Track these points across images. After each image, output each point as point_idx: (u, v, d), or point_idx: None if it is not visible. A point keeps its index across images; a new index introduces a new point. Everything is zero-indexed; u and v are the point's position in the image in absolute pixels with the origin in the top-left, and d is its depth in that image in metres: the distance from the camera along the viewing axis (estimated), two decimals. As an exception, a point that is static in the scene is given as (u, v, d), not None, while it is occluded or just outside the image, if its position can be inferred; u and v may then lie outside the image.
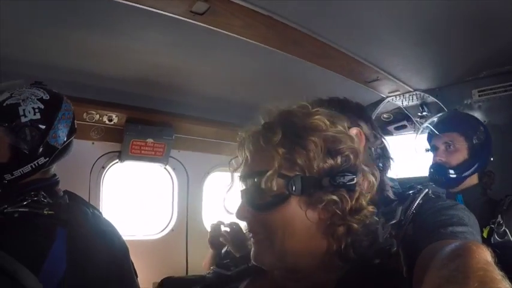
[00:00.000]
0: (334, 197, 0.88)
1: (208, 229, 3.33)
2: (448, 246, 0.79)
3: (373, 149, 1.33)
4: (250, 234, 0.97)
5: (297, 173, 0.89)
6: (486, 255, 0.70)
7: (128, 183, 3.19)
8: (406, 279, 0.94)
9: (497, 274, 0.64)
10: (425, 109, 2.99)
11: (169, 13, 1.74)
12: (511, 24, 1.93)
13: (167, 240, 3.14)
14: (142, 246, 2.89)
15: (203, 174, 3.41)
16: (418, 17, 1.91)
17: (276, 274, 1.01)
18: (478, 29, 2.01)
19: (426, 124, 2.26)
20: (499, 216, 1.86)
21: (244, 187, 0.97)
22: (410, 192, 1.21)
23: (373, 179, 0.96)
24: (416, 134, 2.47)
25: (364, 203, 0.92)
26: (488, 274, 0.63)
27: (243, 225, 2.88)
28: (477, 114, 2.60)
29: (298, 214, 0.90)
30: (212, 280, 1.14)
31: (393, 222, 1.10)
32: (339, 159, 0.91)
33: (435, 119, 2.32)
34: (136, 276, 1.82)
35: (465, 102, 2.70)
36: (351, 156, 0.93)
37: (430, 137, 2.23)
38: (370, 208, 0.94)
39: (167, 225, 3.21)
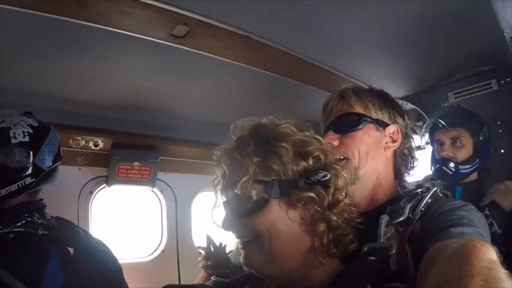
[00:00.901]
0: (312, 194, 0.94)
1: (199, 248, 3.35)
2: (453, 244, 0.81)
3: (404, 150, 1.35)
4: (241, 241, 1.01)
5: (274, 177, 0.95)
6: (491, 254, 0.71)
7: (116, 207, 3.17)
8: (400, 275, 0.98)
9: (502, 273, 0.66)
10: (405, 117, 3.05)
11: (150, 37, 1.78)
12: (480, 25, 1.99)
13: (158, 262, 3.12)
14: (133, 269, 2.86)
15: (191, 195, 3.40)
16: (388, 27, 1.97)
17: (271, 282, 1.03)
18: (450, 33, 2.07)
19: (433, 119, 2.23)
20: (486, 209, 1.92)
21: (225, 199, 1.02)
22: (419, 190, 1.21)
23: (345, 175, 1.04)
24: (423, 130, 2.44)
25: (340, 197, 0.98)
26: (492, 273, 0.65)
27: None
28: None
29: (281, 216, 0.95)
30: (211, 287, 1.16)
31: (401, 219, 1.10)
32: (310, 160, 0.97)
33: (439, 113, 2.29)
34: (130, 296, 1.83)
35: (442, 105, 2.76)
36: (321, 156, 0.99)
37: (433, 131, 2.22)
38: (347, 200, 1.00)
39: (158, 247, 3.19)
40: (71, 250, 1.58)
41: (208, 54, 1.95)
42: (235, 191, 0.97)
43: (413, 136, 2.26)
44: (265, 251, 0.94)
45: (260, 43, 1.92)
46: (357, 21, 1.88)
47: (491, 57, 2.39)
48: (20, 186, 1.62)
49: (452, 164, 2.09)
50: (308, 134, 1.03)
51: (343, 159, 1.27)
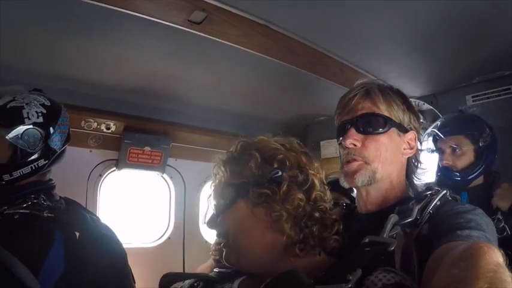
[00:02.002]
0: (265, 190, 1.02)
1: (205, 237, 3.36)
2: (460, 246, 0.80)
3: (417, 156, 1.34)
4: (221, 241, 1.13)
5: (243, 180, 1.06)
6: (497, 256, 0.71)
7: (125, 191, 3.18)
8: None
9: (508, 276, 0.66)
10: (421, 116, 3.01)
11: (167, 22, 1.76)
12: (503, 30, 1.96)
13: (164, 248, 3.13)
14: (139, 254, 2.88)
15: (200, 183, 3.40)
16: (411, 24, 1.93)
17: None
18: (471, 35, 2.04)
19: (431, 128, 2.24)
20: (499, 213, 1.92)
21: (215, 202, 1.14)
22: (428, 192, 1.20)
23: (317, 179, 1.09)
24: (422, 139, 2.45)
25: (294, 192, 1.03)
26: (498, 276, 0.65)
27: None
28: (472, 120, 2.63)
29: (247, 213, 1.04)
30: (212, 276, 1.20)
31: (409, 220, 1.09)
32: (275, 164, 1.06)
33: (440, 121, 2.30)
34: (134, 282, 1.83)
35: (459, 108, 2.71)
36: (286, 160, 1.07)
37: (436, 140, 2.21)
38: (300, 196, 1.03)
39: (164, 233, 3.20)
40: (77, 234, 1.56)
41: (224, 42, 1.92)
42: (216, 194, 1.11)
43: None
44: (233, 245, 1.05)
45: (278, 33, 1.90)
46: (377, 17, 1.85)
47: (512, 62, 2.33)
48: (33, 168, 1.59)
49: (453, 173, 2.10)
50: (277, 140, 1.13)
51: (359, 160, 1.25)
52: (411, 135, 1.29)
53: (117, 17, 1.71)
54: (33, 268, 1.34)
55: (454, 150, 2.11)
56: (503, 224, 1.88)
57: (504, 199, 1.94)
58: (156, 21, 1.75)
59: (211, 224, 1.12)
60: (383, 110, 1.26)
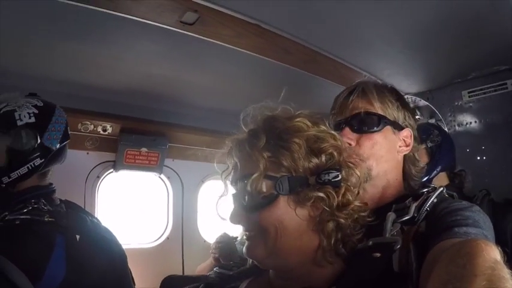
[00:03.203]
0: (321, 194, 0.92)
1: (204, 237, 3.37)
2: (457, 243, 0.80)
3: (414, 154, 1.33)
4: (246, 233, 1.00)
5: (284, 174, 0.93)
6: (495, 253, 0.70)
7: (123, 193, 3.19)
8: (404, 275, 0.96)
9: (506, 273, 0.65)
10: (418, 113, 3.02)
11: (160, 23, 1.76)
12: (498, 25, 1.95)
13: (163, 248, 3.15)
14: (138, 255, 2.89)
15: (198, 183, 3.42)
16: (405, 21, 1.93)
17: (273, 274, 1.04)
18: (465, 31, 2.03)
19: None
20: None
21: (235, 191, 1.01)
22: (425, 190, 1.20)
23: (358, 174, 1.00)
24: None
25: (351, 198, 0.96)
26: (496, 273, 0.64)
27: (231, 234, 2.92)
28: (468, 115, 2.65)
29: (288, 213, 0.93)
30: (214, 279, 1.17)
31: (406, 218, 1.08)
32: (323, 158, 0.95)
33: None
34: (134, 284, 1.84)
35: (456, 103, 2.72)
36: (335, 154, 0.97)
37: None
38: (357, 203, 0.97)
39: (163, 233, 3.22)
40: (77, 237, 1.58)
41: (218, 42, 1.92)
42: (246, 185, 0.95)
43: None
44: (270, 246, 0.94)
45: (271, 32, 1.89)
46: (371, 14, 1.85)
47: (508, 57, 2.32)
48: (30, 168, 1.60)
49: None
50: (323, 128, 1.00)
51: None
52: (406, 132, 1.30)
53: (111, 20, 1.71)
54: (36, 273, 1.35)
55: None
56: None
57: None
58: (149, 23, 1.74)
59: (237, 219, 1.00)
60: (377, 108, 1.26)
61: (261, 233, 0.95)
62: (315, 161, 0.95)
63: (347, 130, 1.26)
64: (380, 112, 1.26)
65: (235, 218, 1.00)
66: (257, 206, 0.95)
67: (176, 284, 1.20)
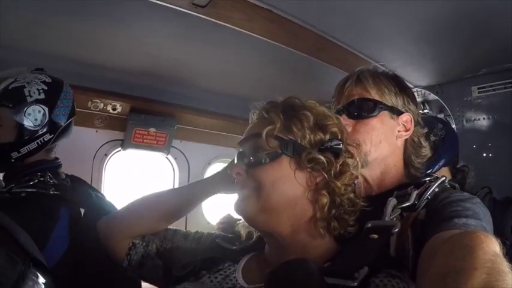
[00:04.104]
0: (321, 157, 0.99)
1: (208, 218, 3.41)
2: (457, 235, 0.81)
3: (415, 138, 1.35)
4: (241, 191, 1.06)
5: (291, 138, 1.02)
6: (494, 246, 0.71)
7: (130, 172, 3.23)
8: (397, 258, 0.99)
9: (505, 266, 0.66)
10: (427, 107, 3.01)
11: (172, 5, 1.76)
12: (510, 22, 1.94)
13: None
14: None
15: (204, 165, 3.45)
16: (418, 13, 1.91)
17: (269, 249, 1.07)
18: (478, 26, 2.01)
19: None
20: None
21: (241, 150, 1.09)
22: (427, 179, 1.22)
23: (357, 159, 1.07)
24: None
25: (348, 168, 1.02)
26: (495, 266, 0.65)
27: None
28: (477, 111, 2.62)
29: (288, 173, 1.00)
30: (216, 253, 1.18)
31: (406, 204, 1.11)
32: (327, 135, 1.04)
33: None
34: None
35: (465, 99, 2.70)
36: (338, 134, 1.05)
37: None
38: (354, 171, 1.03)
39: (167, 213, 3.24)
40: (82, 211, 1.61)
41: (229, 26, 1.92)
42: (253, 140, 1.05)
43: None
44: (262, 200, 1.00)
45: (282, 17, 1.89)
46: (384, 4, 1.83)
47: (520, 54, 2.31)
48: (39, 143, 1.63)
49: None
50: (330, 113, 1.10)
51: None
52: (406, 117, 1.31)
53: (124, 0, 1.74)
54: (38, 244, 1.38)
55: None
56: None
57: None
58: (162, 5, 1.75)
59: (237, 171, 1.05)
60: (373, 94, 1.29)
61: (257, 188, 1.01)
62: (320, 135, 1.03)
63: (344, 117, 1.28)
64: (376, 98, 1.28)
65: (235, 171, 1.06)
66: (260, 160, 1.01)
67: (177, 254, 1.21)
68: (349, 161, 1.04)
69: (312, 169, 1.00)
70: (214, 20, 1.88)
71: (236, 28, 1.95)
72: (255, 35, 2.02)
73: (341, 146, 1.02)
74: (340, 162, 1.01)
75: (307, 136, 1.02)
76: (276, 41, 2.10)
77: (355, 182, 1.08)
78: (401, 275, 0.89)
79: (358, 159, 1.07)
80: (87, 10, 1.87)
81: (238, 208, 1.04)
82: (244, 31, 1.98)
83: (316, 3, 1.83)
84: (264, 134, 1.01)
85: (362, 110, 1.27)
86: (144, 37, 2.16)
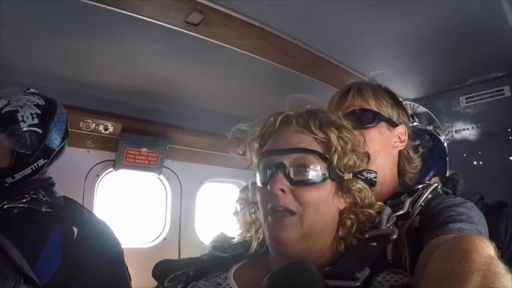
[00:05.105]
0: (359, 186, 1.00)
1: (201, 239, 3.37)
2: (452, 239, 0.81)
3: (408, 151, 1.37)
4: (278, 210, 0.97)
5: (332, 163, 0.99)
6: (489, 249, 0.72)
7: (122, 192, 3.20)
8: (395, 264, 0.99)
9: (501, 268, 0.67)
10: (416, 119, 3.05)
11: (165, 23, 1.78)
12: (495, 32, 1.99)
13: (160, 248, 3.14)
14: (135, 255, 2.87)
15: (196, 185, 3.43)
16: (404, 27, 1.96)
17: (276, 257, 1.04)
18: (464, 37, 2.06)
19: None
20: None
21: (282, 161, 0.99)
22: (420, 186, 1.23)
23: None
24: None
25: (375, 200, 1.04)
26: (491, 268, 0.66)
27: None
28: (465, 121, 2.67)
29: (329, 197, 0.99)
30: (206, 262, 1.15)
31: (401, 213, 1.11)
32: (357, 160, 1.03)
33: None
34: (130, 279, 1.84)
35: (453, 109, 2.74)
36: (364, 159, 1.06)
37: None
38: (378, 205, 1.04)
39: (160, 234, 3.22)
40: (75, 230, 1.59)
41: (221, 44, 1.95)
42: (299, 158, 0.98)
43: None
44: (305, 227, 0.95)
45: (273, 35, 1.92)
46: (372, 19, 1.88)
47: (505, 63, 2.36)
48: (34, 169, 1.62)
49: None
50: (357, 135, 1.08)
51: None
52: (401, 129, 1.34)
53: (116, 18, 1.73)
54: (29, 260, 1.35)
55: None
56: None
57: None
58: (154, 23, 1.77)
59: (279, 187, 0.96)
60: (372, 105, 1.31)
61: (301, 212, 0.95)
62: (354, 158, 1.02)
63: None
64: (375, 109, 1.31)
65: (277, 186, 0.96)
66: (308, 181, 0.96)
67: (169, 267, 1.18)
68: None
69: (347, 196, 1.00)
70: (206, 39, 1.90)
71: (227, 46, 1.98)
72: (246, 52, 2.05)
73: (376, 178, 1.04)
74: (374, 194, 1.03)
75: (345, 159, 1.00)
76: (267, 58, 2.13)
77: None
78: (403, 272, 0.90)
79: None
80: (79, 29, 1.87)
81: (278, 236, 0.96)
82: (236, 49, 2.01)
83: (307, 21, 1.87)
84: (313, 153, 0.97)
85: (361, 120, 1.28)
86: (137, 56, 2.17)
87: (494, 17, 1.87)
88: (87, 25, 1.84)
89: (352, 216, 0.99)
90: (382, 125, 1.30)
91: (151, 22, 1.76)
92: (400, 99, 1.43)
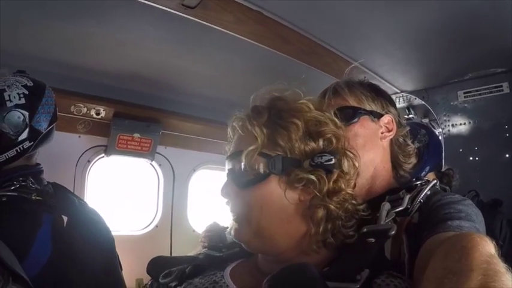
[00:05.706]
0: (312, 177, 0.90)
1: (193, 226, 3.36)
2: (452, 237, 0.80)
3: (399, 138, 1.36)
4: (233, 214, 0.99)
5: (278, 153, 0.92)
6: (490, 247, 0.71)
7: (114, 178, 3.16)
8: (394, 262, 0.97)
9: (501, 267, 0.66)
10: (412, 112, 3.03)
11: (162, 6, 1.73)
12: (497, 28, 1.98)
13: (151, 236, 3.13)
14: (126, 242, 2.86)
15: (189, 171, 3.40)
16: (406, 18, 1.94)
17: (262, 257, 1.03)
18: (465, 32, 2.05)
19: None
20: None
21: (230, 167, 1.00)
22: (418, 182, 1.23)
23: (356, 165, 0.99)
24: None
25: (343, 185, 0.93)
26: (492, 267, 0.65)
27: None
28: (463, 115, 2.67)
29: (277, 193, 0.92)
30: (202, 260, 1.14)
31: (399, 209, 1.09)
32: (320, 142, 0.93)
33: None
34: (121, 269, 1.82)
35: (451, 103, 2.74)
36: (333, 140, 0.94)
37: None
38: (349, 190, 0.95)
39: (152, 221, 3.20)
40: (65, 218, 1.55)
41: (218, 28, 1.90)
42: (239, 158, 0.94)
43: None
44: (253, 225, 0.93)
45: (271, 20, 1.89)
46: (373, 9, 1.86)
47: (505, 59, 2.36)
48: (19, 151, 1.56)
49: None
50: (327, 114, 0.98)
51: None
52: (387, 118, 1.32)
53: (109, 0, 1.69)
54: (21, 250, 1.33)
55: None
56: None
57: None
58: (149, 5, 1.72)
59: (226, 193, 0.99)
60: (351, 102, 1.30)
61: (247, 212, 0.94)
62: (312, 144, 0.93)
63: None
64: (354, 104, 1.30)
65: (225, 191, 0.99)
66: (248, 182, 0.93)
67: (164, 264, 1.17)
68: (347, 172, 0.95)
69: (303, 186, 0.92)
70: (203, 22, 1.86)
71: (225, 30, 1.94)
72: (243, 37, 2.01)
73: (333, 162, 0.91)
74: (334, 179, 0.92)
75: (297, 148, 0.92)
76: (264, 44, 2.09)
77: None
78: (402, 276, 0.88)
79: (354, 172, 1.00)
80: (71, 11, 1.82)
81: (235, 236, 0.99)
82: (233, 34, 1.97)
83: (306, 7, 1.84)
84: (248, 152, 0.92)
85: (342, 118, 1.27)
86: (130, 39, 2.12)
87: (496, 12, 1.86)
88: (79, 7, 1.79)
89: (319, 207, 0.91)
90: (365, 118, 1.29)
91: (146, 4, 1.71)
92: (396, 90, 1.41)
